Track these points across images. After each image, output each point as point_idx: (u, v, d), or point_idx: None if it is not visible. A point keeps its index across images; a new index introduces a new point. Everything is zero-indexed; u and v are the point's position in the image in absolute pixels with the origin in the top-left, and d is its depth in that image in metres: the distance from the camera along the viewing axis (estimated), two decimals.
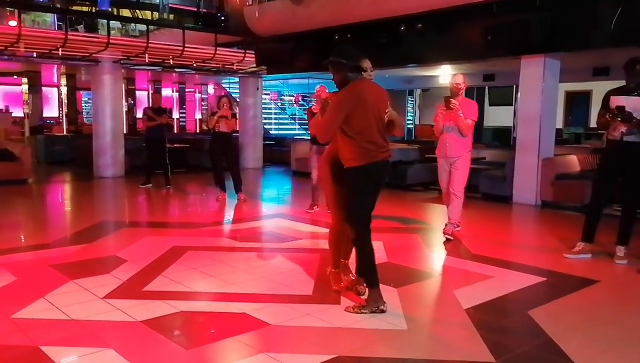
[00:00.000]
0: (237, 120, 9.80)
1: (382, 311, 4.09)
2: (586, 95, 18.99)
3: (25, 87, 19.02)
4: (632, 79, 5.58)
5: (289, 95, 23.37)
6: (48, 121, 19.16)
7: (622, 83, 5.78)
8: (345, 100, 4.09)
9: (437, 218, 8.73)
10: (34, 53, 11.54)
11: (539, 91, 9.50)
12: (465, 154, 6.72)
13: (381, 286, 4.68)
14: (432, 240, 6.99)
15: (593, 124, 17.72)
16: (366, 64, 4.21)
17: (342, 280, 4.63)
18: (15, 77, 18.95)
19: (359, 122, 4.06)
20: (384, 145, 4.21)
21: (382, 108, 4.19)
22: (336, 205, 4.46)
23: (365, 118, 4.07)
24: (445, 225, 6.89)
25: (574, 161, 9.97)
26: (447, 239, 6.73)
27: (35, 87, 18.99)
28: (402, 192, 10.95)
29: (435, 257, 6.25)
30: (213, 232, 7.25)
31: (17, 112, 18.94)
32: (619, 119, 5.45)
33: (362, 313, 4.08)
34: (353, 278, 4.60)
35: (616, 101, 5.54)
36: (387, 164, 4.27)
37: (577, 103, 19.81)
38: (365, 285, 4.28)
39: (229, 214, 8.80)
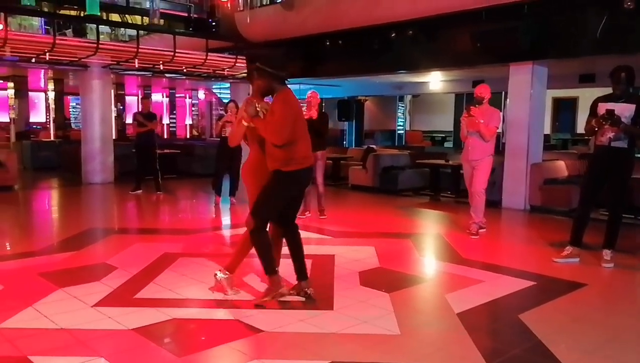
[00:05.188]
0: None
1: (283, 294, 4.41)
2: (573, 102, 19.19)
3: (11, 92, 18.84)
4: (618, 87, 5.69)
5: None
6: (35, 126, 19.01)
7: (608, 89, 5.89)
8: (291, 108, 4.36)
9: (428, 223, 8.79)
10: (25, 57, 11.45)
11: (528, 97, 9.60)
12: (486, 157, 7.22)
13: (373, 291, 4.72)
14: (423, 245, 7.03)
15: (580, 129, 17.94)
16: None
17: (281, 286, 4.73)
18: (1, 81, 18.80)
19: (297, 130, 4.35)
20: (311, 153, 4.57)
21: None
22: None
23: (301, 128, 4.42)
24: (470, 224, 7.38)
25: (561, 166, 10.06)
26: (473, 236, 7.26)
27: (22, 92, 18.84)
28: (393, 197, 10.99)
29: (427, 262, 6.28)
30: (204, 238, 7.23)
31: (3, 117, 18.77)
32: (609, 122, 5.53)
33: (266, 301, 4.35)
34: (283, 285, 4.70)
35: (604, 107, 5.62)
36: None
37: (564, 109, 20.01)
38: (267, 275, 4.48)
39: (220, 220, 8.78)
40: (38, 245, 6.66)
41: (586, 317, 4.44)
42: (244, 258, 4.74)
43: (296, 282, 4.67)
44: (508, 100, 10.25)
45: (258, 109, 4.34)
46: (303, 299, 4.55)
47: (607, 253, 5.91)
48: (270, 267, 4.40)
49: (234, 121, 9.30)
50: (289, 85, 4.51)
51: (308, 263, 5.67)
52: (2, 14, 11.11)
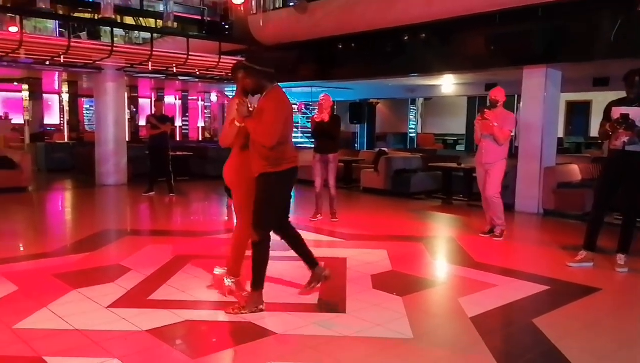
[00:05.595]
0: None
1: (262, 310, 4.28)
2: (586, 105, 19.08)
3: (25, 94, 19.06)
4: (632, 90, 5.67)
5: (292, 104, 23.40)
6: (48, 128, 19.16)
7: (622, 93, 5.86)
8: (284, 106, 4.26)
9: (441, 227, 8.76)
10: (40, 59, 11.55)
11: (541, 100, 9.55)
12: (499, 160, 7.21)
13: (385, 294, 4.71)
14: (435, 248, 7.02)
15: (593, 133, 17.82)
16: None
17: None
18: (15, 83, 18.98)
19: (287, 129, 4.28)
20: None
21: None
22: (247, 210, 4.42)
23: (291, 126, 4.41)
24: (494, 228, 7.40)
25: (575, 170, 10.01)
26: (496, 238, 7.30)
27: (36, 94, 19.01)
28: (405, 200, 10.97)
29: (439, 265, 6.27)
30: (216, 241, 7.24)
31: (17, 119, 18.95)
32: (623, 126, 5.50)
33: (243, 313, 4.22)
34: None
35: (618, 111, 5.59)
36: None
37: (577, 112, 19.89)
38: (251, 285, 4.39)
39: (232, 222, 8.78)
40: (52, 246, 6.70)
41: (600, 321, 4.42)
42: (243, 260, 4.71)
43: (310, 275, 4.71)
44: (521, 103, 10.22)
45: (251, 108, 4.22)
46: (319, 301, 4.57)
47: (620, 258, 5.88)
48: (260, 282, 4.32)
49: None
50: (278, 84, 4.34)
51: (320, 265, 5.71)
52: (18, 17, 11.23)
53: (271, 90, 4.23)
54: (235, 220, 4.85)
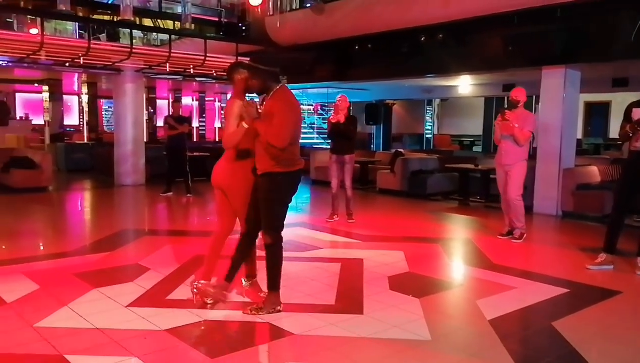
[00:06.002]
0: None
1: (279, 311, 4.29)
2: (605, 106, 18.90)
3: (46, 95, 19.31)
4: None
5: (308, 104, 23.44)
6: (68, 129, 19.37)
7: None
8: (293, 107, 4.20)
9: (458, 228, 8.72)
10: (60, 61, 11.68)
11: (560, 101, 9.47)
12: (519, 161, 7.14)
13: (403, 296, 4.71)
14: (452, 250, 6.99)
15: (612, 134, 17.65)
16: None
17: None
18: (36, 84, 19.23)
19: (297, 130, 4.24)
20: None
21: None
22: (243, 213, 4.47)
23: (300, 127, 4.35)
24: (513, 230, 7.33)
25: (594, 171, 9.91)
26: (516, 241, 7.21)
27: (56, 95, 19.24)
28: (422, 202, 10.93)
29: (457, 267, 6.24)
30: (234, 241, 7.24)
31: (38, 120, 19.21)
32: None
33: (260, 314, 4.22)
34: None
35: (639, 113, 5.53)
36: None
37: (596, 113, 19.72)
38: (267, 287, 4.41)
39: None
40: (72, 246, 6.78)
41: (620, 325, 4.38)
42: (256, 260, 4.73)
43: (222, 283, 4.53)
44: (540, 104, 10.14)
45: (260, 110, 4.14)
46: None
47: None
48: (277, 282, 4.31)
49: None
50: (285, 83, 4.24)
51: (337, 266, 5.73)
52: (39, 19, 11.36)
53: (278, 90, 4.16)
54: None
